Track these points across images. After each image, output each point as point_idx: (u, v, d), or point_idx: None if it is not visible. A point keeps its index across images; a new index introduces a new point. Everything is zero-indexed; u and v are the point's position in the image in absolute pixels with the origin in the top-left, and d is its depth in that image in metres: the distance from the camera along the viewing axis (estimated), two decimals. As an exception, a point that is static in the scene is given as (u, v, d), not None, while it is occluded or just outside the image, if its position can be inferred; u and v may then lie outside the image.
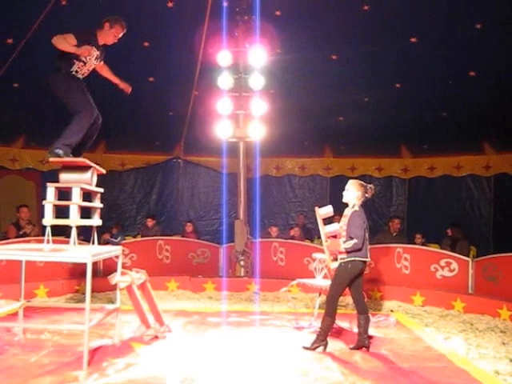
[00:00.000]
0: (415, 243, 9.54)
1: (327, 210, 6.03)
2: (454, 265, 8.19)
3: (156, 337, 5.81)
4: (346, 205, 5.77)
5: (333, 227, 5.84)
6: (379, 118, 10.69)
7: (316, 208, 6.10)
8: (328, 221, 6.48)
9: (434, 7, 8.24)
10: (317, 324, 6.59)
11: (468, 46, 8.69)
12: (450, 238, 9.54)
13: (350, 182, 5.81)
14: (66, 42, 5.21)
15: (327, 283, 6.76)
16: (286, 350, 5.56)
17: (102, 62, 5.80)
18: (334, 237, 5.72)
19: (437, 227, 10.38)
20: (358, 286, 5.65)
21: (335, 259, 5.73)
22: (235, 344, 5.75)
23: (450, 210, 11.71)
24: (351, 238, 5.42)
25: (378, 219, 12.61)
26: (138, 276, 5.82)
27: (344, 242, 5.47)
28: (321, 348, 5.49)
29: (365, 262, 5.55)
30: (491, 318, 7.11)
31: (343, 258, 5.51)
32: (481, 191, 11.83)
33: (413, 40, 8.84)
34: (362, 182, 5.81)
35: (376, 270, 8.67)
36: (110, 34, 5.59)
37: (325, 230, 5.83)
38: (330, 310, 5.51)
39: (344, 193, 5.75)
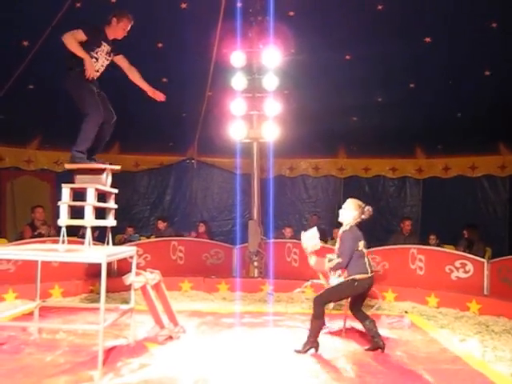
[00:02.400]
0: (429, 244, 9.46)
1: (313, 234, 6.03)
2: (470, 266, 8.12)
3: (170, 337, 5.82)
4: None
5: (314, 246, 5.95)
6: (393, 118, 10.63)
7: (302, 233, 6.14)
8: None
9: (448, 6, 8.19)
10: (331, 325, 6.58)
11: (483, 45, 8.62)
12: (466, 239, 9.46)
13: (349, 201, 5.77)
14: (75, 43, 5.24)
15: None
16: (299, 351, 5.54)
17: (119, 56, 5.82)
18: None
19: (451, 228, 10.30)
20: (359, 302, 5.68)
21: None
22: (248, 345, 5.75)
23: (464, 210, 11.62)
24: (338, 256, 5.45)
25: (391, 220, 12.55)
26: (152, 276, 5.83)
27: (329, 261, 5.51)
28: (312, 350, 5.43)
29: (367, 278, 5.45)
30: (507, 320, 7.02)
31: (346, 276, 5.46)
32: (496, 192, 11.74)
33: (427, 40, 8.79)
34: (361, 203, 5.76)
35: (390, 271, 8.62)
36: (119, 28, 5.62)
37: (308, 249, 5.92)
38: (318, 312, 5.44)
39: (340, 211, 5.72)
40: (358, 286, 5.43)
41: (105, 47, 5.56)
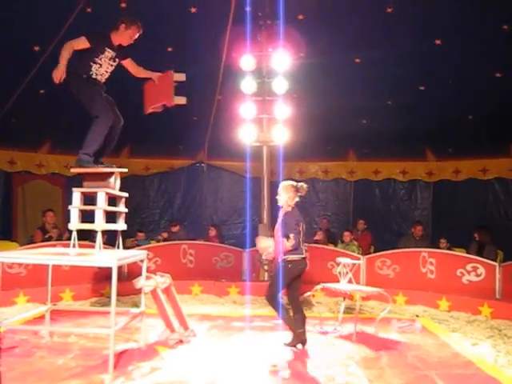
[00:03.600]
0: (439, 248, 9.41)
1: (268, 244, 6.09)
2: (481, 269, 8.06)
3: (181, 341, 5.83)
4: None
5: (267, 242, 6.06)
6: (403, 121, 10.59)
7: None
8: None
9: (458, 8, 8.15)
10: (341, 328, 6.56)
11: (494, 47, 8.57)
12: (478, 242, 9.39)
13: (281, 185, 5.88)
14: (66, 52, 5.29)
15: (352, 287, 6.75)
16: (311, 355, 5.53)
17: (126, 60, 5.81)
18: None
19: (463, 231, 10.23)
20: (295, 287, 5.77)
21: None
22: (259, 349, 5.74)
23: (475, 213, 11.55)
24: (287, 235, 5.53)
25: (402, 223, 12.51)
26: (162, 280, 5.84)
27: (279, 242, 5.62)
28: (300, 345, 5.61)
29: (304, 259, 5.68)
30: (520, 324, 6.98)
31: (283, 258, 5.60)
32: (507, 194, 11.63)
33: (437, 42, 8.75)
34: (293, 183, 5.88)
35: (401, 274, 8.59)
36: (126, 35, 5.59)
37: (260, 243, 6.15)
38: (278, 308, 5.61)
39: (277, 197, 5.84)
40: (292, 267, 5.59)
41: (109, 53, 5.55)
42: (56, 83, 5.27)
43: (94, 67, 5.46)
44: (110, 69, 5.65)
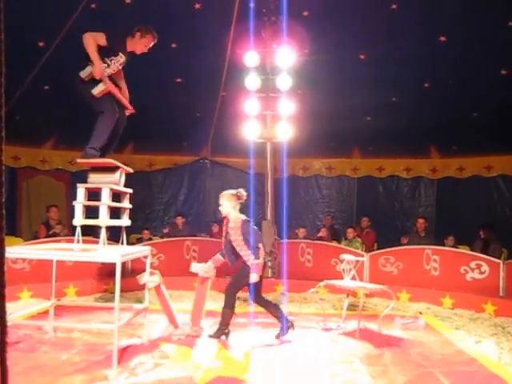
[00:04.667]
0: (445, 245, 9.38)
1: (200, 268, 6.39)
2: (485, 267, 8.04)
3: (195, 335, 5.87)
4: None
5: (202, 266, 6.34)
6: (407, 118, 10.58)
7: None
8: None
9: (463, 5, 8.13)
10: (345, 325, 6.56)
11: (499, 44, 8.54)
12: (482, 240, 9.36)
13: (221, 196, 6.02)
14: (93, 45, 5.23)
15: (355, 284, 6.74)
16: (314, 351, 5.53)
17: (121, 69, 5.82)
18: None
19: (466, 229, 10.21)
20: (258, 289, 5.96)
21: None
22: (263, 345, 5.74)
23: (479, 211, 11.53)
24: (257, 246, 5.80)
25: (405, 220, 12.49)
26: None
27: (253, 253, 5.78)
28: (224, 337, 5.83)
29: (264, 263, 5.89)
30: (523, 322, 6.96)
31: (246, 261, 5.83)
32: (512, 192, 11.62)
33: (442, 39, 8.72)
34: (232, 191, 6.02)
35: (404, 271, 8.58)
36: (141, 44, 5.60)
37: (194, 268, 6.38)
38: (230, 303, 5.90)
39: (220, 208, 6.00)
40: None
41: (121, 58, 5.56)
42: (97, 78, 5.27)
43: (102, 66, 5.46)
44: (113, 72, 5.64)
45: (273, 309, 6.00)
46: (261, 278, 5.87)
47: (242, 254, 5.85)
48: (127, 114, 5.85)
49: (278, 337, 5.90)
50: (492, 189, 11.79)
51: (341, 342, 5.93)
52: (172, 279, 7.97)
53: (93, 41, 5.26)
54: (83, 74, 5.29)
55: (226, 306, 5.90)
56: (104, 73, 5.34)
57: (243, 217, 5.92)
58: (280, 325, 5.92)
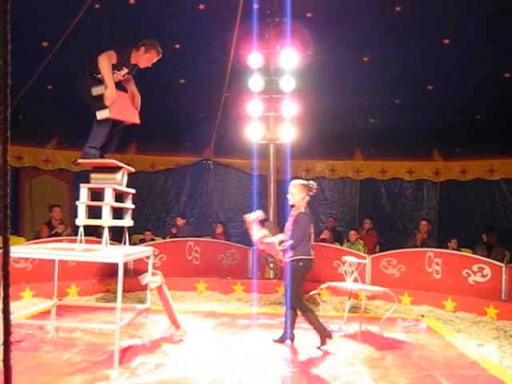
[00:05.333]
0: (448, 247, 9.36)
1: (256, 215, 6.05)
2: (487, 270, 8.02)
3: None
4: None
5: (262, 232, 5.95)
6: (410, 121, 10.56)
7: (245, 216, 6.15)
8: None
9: (467, 8, 8.12)
10: (346, 327, 6.55)
11: (503, 48, 8.53)
12: (485, 243, 9.34)
13: (293, 184, 5.89)
14: (108, 69, 5.26)
15: (357, 286, 6.74)
16: (316, 353, 5.53)
17: (130, 75, 5.81)
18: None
19: (469, 232, 10.20)
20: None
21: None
22: (264, 346, 5.74)
23: (482, 214, 11.51)
24: (289, 238, 5.62)
25: (408, 222, 12.47)
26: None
27: (280, 244, 5.72)
28: (329, 339, 5.65)
29: (310, 259, 5.70)
30: (525, 326, 6.95)
31: (291, 257, 5.63)
32: (515, 195, 11.60)
33: (446, 41, 8.71)
34: (304, 182, 5.93)
35: (406, 274, 8.56)
36: (144, 58, 5.61)
37: (255, 236, 5.94)
38: (302, 307, 5.66)
39: (288, 196, 5.86)
40: (304, 266, 5.63)
41: (124, 70, 5.59)
42: (107, 105, 5.26)
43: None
44: (116, 80, 5.64)
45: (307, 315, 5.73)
46: (301, 279, 5.70)
47: (285, 242, 5.71)
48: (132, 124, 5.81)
49: (318, 347, 5.68)
50: (494, 192, 11.76)
51: (342, 344, 5.92)
52: (174, 280, 7.98)
53: (109, 62, 5.28)
54: (95, 91, 5.29)
55: (303, 313, 5.67)
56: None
57: (303, 210, 5.77)
58: (319, 333, 5.71)
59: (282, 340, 5.83)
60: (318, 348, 5.62)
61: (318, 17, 8.75)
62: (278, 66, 8.81)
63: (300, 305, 5.68)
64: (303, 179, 12.71)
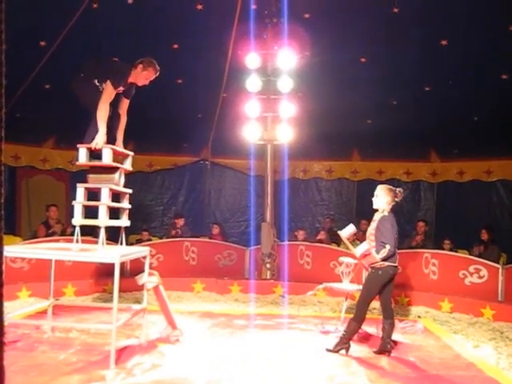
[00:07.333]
0: (443, 249, 9.38)
1: (350, 230, 5.96)
2: (484, 271, 8.04)
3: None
4: (371, 210, 5.75)
5: (363, 247, 5.65)
6: (408, 122, 10.56)
7: (339, 232, 6.03)
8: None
9: (465, 9, 8.13)
10: (343, 329, 6.55)
11: (500, 49, 8.54)
12: (482, 241, 9.36)
13: (380, 187, 5.78)
14: (105, 115, 5.30)
15: (354, 287, 6.74)
16: (312, 354, 5.53)
17: (126, 99, 5.81)
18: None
19: (466, 233, 10.20)
20: (387, 292, 5.62)
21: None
22: (261, 347, 5.74)
23: (479, 215, 11.49)
24: (383, 244, 5.38)
25: (405, 223, 12.44)
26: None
27: (376, 251, 5.43)
28: (343, 351, 5.49)
29: (395, 267, 5.52)
30: (522, 327, 6.96)
31: (373, 265, 5.48)
32: (512, 197, 11.61)
33: (443, 42, 8.72)
34: (391, 187, 5.77)
35: (403, 275, 8.54)
36: (142, 76, 5.62)
37: (357, 252, 5.67)
38: (358, 315, 5.52)
39: (374, 199, 5.73)
40: (383, 274, 5.44)
41: (120, 90, 5.60)
42: (95, 150, 5.27)
43: (102, 84, 5.49)
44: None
45: (389, 323, 5.63)
46: (389, 282, 5.54)
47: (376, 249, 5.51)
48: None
49: (330, 349, 5.58)
50: (492, 193, 11.76)
51: (336, 342, 5.91)
52: (171, 280, 7.96)
53: (107, 108, 5.33)
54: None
55: (353, 318, 5.57)
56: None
57: (387, 214, 5.60)
58: (340, 340, 5.60)
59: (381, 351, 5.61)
60: (328, 350, 5.55)
61: (316, 17, 8.75)
62: (275, 67, 8.82)
63: (362, 313, 5.55)
64: (301, 180, 12.80)
